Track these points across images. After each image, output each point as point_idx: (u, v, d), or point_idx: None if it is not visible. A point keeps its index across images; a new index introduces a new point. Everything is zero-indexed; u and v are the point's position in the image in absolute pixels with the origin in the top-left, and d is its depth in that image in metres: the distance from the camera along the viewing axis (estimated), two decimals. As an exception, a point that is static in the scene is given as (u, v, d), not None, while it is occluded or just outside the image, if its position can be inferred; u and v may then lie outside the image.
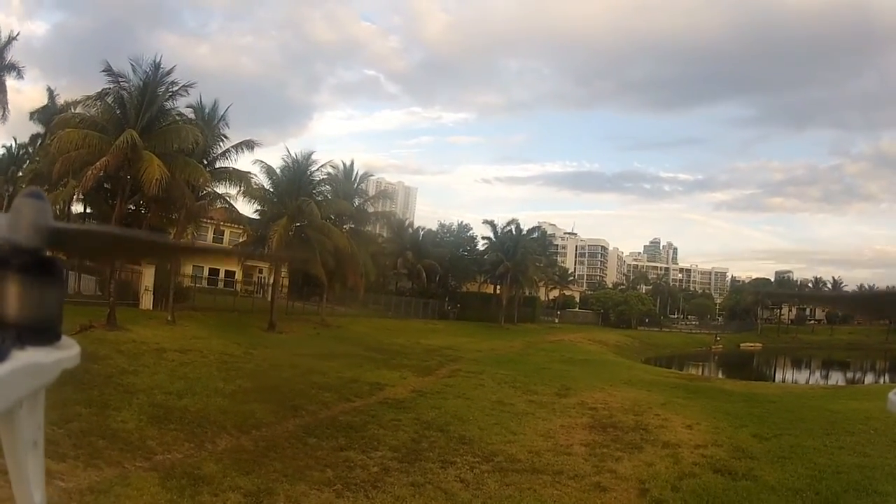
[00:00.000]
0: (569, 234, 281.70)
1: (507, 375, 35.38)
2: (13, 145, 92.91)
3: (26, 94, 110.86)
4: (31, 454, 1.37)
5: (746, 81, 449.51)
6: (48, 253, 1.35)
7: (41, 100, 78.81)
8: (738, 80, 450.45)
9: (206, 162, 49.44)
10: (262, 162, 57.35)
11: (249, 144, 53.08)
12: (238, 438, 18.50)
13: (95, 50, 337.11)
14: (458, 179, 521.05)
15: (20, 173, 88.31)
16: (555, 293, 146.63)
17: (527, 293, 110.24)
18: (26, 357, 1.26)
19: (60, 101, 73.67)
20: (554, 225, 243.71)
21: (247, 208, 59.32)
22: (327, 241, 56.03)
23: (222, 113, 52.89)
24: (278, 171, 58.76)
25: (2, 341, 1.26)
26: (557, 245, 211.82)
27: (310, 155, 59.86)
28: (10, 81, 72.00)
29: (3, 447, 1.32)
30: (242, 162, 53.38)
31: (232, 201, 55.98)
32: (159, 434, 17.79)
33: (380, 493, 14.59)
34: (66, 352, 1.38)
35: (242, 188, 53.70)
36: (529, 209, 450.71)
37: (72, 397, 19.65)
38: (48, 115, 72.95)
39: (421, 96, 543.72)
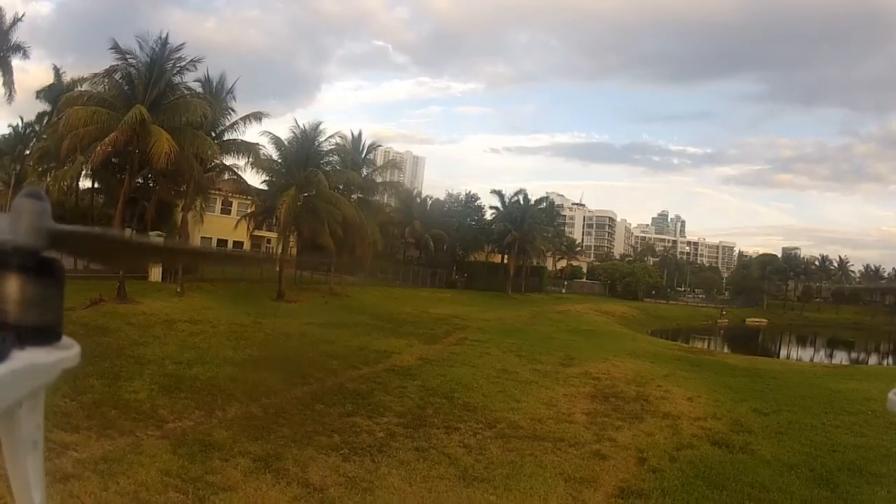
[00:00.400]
0: (577, 204, 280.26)
1: (512, 345, 35.71)
2: (20, 124, 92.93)
3: (32, 73, 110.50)
4: (30, 454, 1.40)
5: (756, 57, 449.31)
6: (48, 253, 1.38)
7: (47, 79, 78.73)
8: (748, 55, 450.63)
9: (214, 134, 49.82)
10: (270, 133, 57.36)
11: (257, 116, 53.41)
12: (247, 406, 18.78)
13: (101, 27, 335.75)
14: (466, 149, 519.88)
15: (27, 152, 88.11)
16: (562, 264, 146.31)
17: (534, 263, 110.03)
18: (26, 357, 1.28)
19: (67, 79, 73.80)
20: (562, 196, 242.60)
21: (255, 179, 59.56)
22: (335, 211, 56.33)
23: (230, 86, 53.35)
24: (286, 142, 58.89)
25: (2, 341, 1.27)
26: (565, 216, 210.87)
27: (318, 125, 60.13)
28: (16, 61, 71.97)
29: (2, 447, 1.34)
30: (251, 134, 53.54)
31: (240, 173, 56.55)
32: (170, 403, 18.10)
33: (385, 457, 14.95)
34: (67, 352, 1.40)
35: (251, 159, 53.83)
36: (538, 180, 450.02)
37: (84, 370, 19.84)
38: (54, 93, 72.66)
39: (429, 67, 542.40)
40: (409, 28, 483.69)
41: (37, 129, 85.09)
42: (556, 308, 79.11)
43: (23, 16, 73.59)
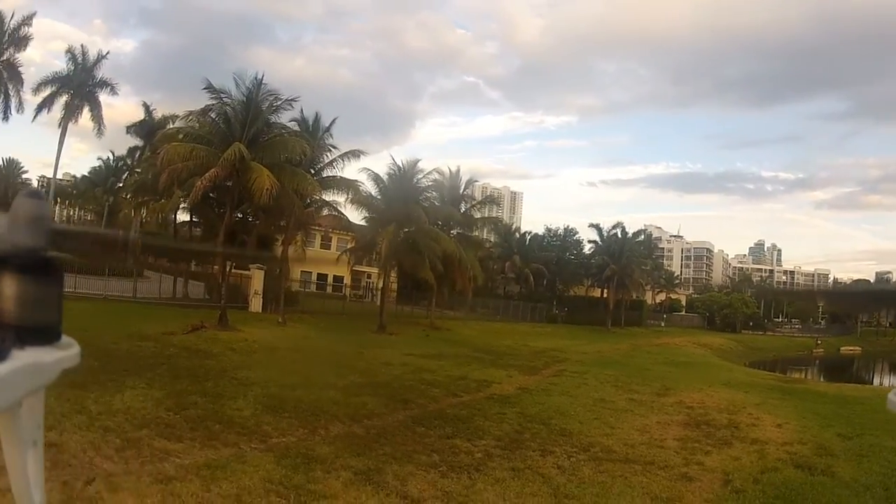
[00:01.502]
0: (675, 236, 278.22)
1: (610, 376, 35.52)
2: (111, 157, 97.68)
3: (118, 109, 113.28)
4: (30, 454, 1.42)
5: (837, 75, 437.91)
6: (48, 252, 1.40)
7: (134, 114, 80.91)
8: (828, 73, 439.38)
9: (313, 171, 50.51)
10: (368, 170, 57.77)
11: (356, 154, 54.05)
12: (350, 426, 18.93)
13: (186, 66, 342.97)
14: (563, 183, 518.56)
15: (119, 184, 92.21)
16: (661, 297, 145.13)
17: (633, 297, 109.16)
18: (26, 357, 1.30)
19: (157, 115, 76.51)
20: (660, 228, 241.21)
21: (354, 216, 60.00)
22: (435, 245, 56.26)
23: (327, 125, 54.03)
24: (385, 178, 58.97)
25: (2, 341, 1.29)
26: (663, 248, 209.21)
27: (416, 163, 59.95)
28: (103, 97, 74.84)
29: (2, 446, 1.38)
30: (349, 171, 53.86)
31: (340, 209, 57.21)
32: (274, 420, 18.34)
33: (482, 475, 15.01)
34: (67, 351, 1.44)
35: (350, 196, 54.27)
36: (634, 212, 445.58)
37: (186, 388, 20.90)
38: (145, 129, 76.20)
39: (522, 101, 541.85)
40: (498, 63, 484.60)
41: (129, 162, 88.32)
42: (655, 341, 78.26)
43: (107, 53, 76.32)
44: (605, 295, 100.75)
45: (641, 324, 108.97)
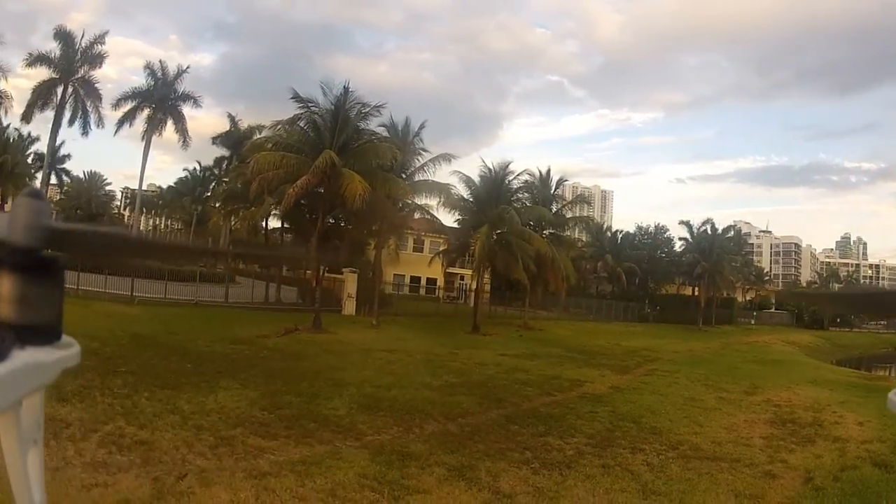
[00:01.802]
0: (763, 231, 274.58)
1: (700, 374, 35.41)
2: (197, 168, 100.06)
3: (200, 120, 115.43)
4: (30, 453, 1.40)
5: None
6: (47, 252, 1.37)
7: (215, 125, 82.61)
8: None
9: (404, 176, 50.86)
10: (459, 172, 57.73)
11: (446, 157, 54.15)
12: (444, 424, 18.99)
13: (267, 76, 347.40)
14: (651, 180, 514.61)
15: (207, 193, 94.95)
16: (751, 294, 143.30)
17: (724, 294, 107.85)
18: (27, 356, 1.28)
19: (243, 126, 77.76)
20: (748, 223, 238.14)
21: (447, 218, 60.06)
22: (528, 246, 56.05)
23: (417, 129, 54.01)
24: (477, 180, 59.00)
25: (2, 341, 1.28)
26: (753, 244, 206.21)
27: (507, 165, 59.72)
28: (186, 110, 76.31)
29: (2, 446, 1.35)
30: (440, 174, 53.82)
31: (432, 212, 57.66)
32: (370, 419, 18.40)
33: (572, 472, 15.04)
34: (67, 351, 1.41)
35: (442, 199, 54.61)
36: (724, 207, 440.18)
37: (281, 389, 21.04)
38: (231, 139, 77.61)
39: (607, 99, 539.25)
40: (580, 61, 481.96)
41: (216, 172, 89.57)
42: (745, 339, 77.44)
43: (187, 67, 77.52)
44: (696, 293, 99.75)
45: (732, 322, 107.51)
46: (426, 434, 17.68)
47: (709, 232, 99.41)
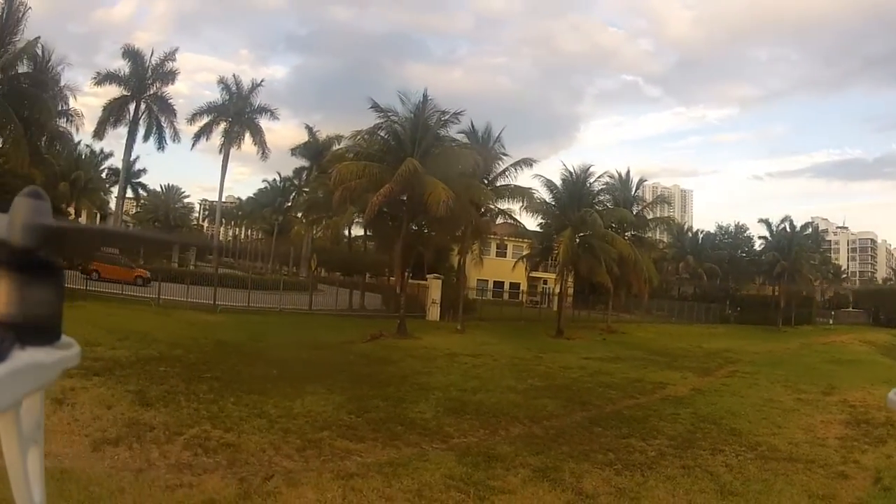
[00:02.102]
0: (840, 228, 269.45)
1: (780, 375, 35.17)
2: (277, 179, 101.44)
3: (276, 132, 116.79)
4: (30, 453, 1.38)
5: None
6: (47, 252, 1.36)
7: (292, 136, 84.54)
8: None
9: (486, 181, 50.89)
10: (541, 176, 57.64)
11: (527, 162, 54.09)
12: (529, 427, 19.05)
13: (342, 86, 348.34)
14: (729, 178, 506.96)
15: (288, 203, 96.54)
16: (829, 292, 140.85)
17: (803, 294, 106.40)
18: (26, 357, 1.27)
19: (321, 136, 78.82)
20: (825, 219, 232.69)
21: (529, 222, 60.05)
22: (611, 249, 55.87)
23: (497, 135, 54.04)
24: (559, 184, 58.74)
25: (1, 341, 1.26)
26: (830, 241, 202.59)
27: (588, 168, 59.54)
28: (264, 122, 77.31)
29: (2, 446, 1.33)
30: (521, 178, 53.88)
31: (514, 216, 57.61)
32: (456, 422, 18.52)
33: (654, 472, 15.16)
34: (67, 351, 1.40)
35: (525, 203, 54.59)
36: (800, 203, 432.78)
37: (367, 393, 21.18)
38: (311, 150, 78.57)
39: (682, 96, 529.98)
40: (654, 59, 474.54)
41: (296, 182, 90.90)
42: (822, 339, 76.19)
43: (262, 81, 79.13)
44: (775, 293, 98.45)
45: (811, 321, 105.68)
46: (512, 436, 17.75)
47: (787, 230, 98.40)
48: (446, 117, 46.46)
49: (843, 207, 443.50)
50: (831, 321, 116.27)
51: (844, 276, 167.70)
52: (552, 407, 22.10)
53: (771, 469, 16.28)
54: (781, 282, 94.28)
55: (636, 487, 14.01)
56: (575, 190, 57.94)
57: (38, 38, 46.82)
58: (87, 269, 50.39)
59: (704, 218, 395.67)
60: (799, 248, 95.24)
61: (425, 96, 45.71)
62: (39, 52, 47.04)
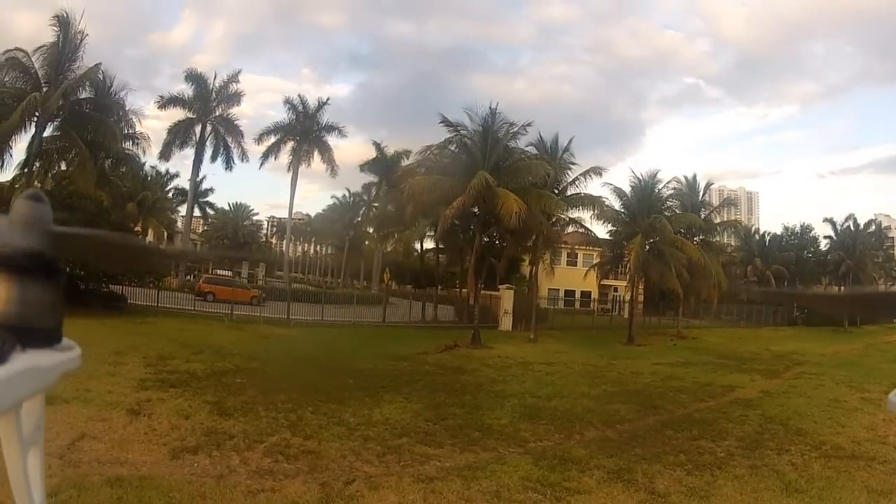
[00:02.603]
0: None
1: (844, 376, 35.17)
2: (346, 194, 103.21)
3: (343, 149, 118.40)
4: (31, 455, 1.42)
5: None
6: (48, 255, 1.39)
7: (358, 152, 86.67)
8: None
9: (556, 191, 50.97)
10: (610, 184, 57.78)
11: (596, 171, 54.45)
12: (603, 431, 19.22)
13: (407, 101, 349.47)
14: (793, 177, 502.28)
15: (358, 219, 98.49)
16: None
17: None
18: (27, 359, 1.29)
19: (388, 151, 79.40)
20: (888, 216, 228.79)
21: (598, 231, 60.19)
22: (680, 255, 55.90)
23: (566, 144, 54.18)
24: (628, 191, 58.93)
25: (2, 343, 1.28)
26: (893, 237, 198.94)
27: (655, 173, 59.74)
28: (330, 140, 79.19)
29: (3, 448, 1.36)
30: (591, 187, 54.28)
31: (585, 225, 57.99)
32: (531, 427, 18.68)
33: (723, 472, 15.34)
34: (67, 354, 1.44)
35: (596, 211, 55.02)
36: (863, 200, 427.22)
37: (444, 401, 21.44)
38: (379, 165, 79.07)
39: (743, 96, 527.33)
40: (713, 60, 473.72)
41: (365, 198, 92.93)
42: (887, 339, 76.01)
43: (328, 100, 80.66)
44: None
45: (875, 321, 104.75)
46: (586, 440, 17.90)
47: (851, 228, 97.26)
48: (515, 129, 46.88)
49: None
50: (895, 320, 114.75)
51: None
52: (625, 411, 22.26)
53: (833, 467, 16.39)
54: (847, 281, 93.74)
55: (706, 486, 14.21)
56: (644, 196, 58.04)
57: (99, 63, 47.94)
58: (202, 291, 51.56)
59: (770, 219, 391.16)
60: (863, 247, 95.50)
61: (493, 110, 46.08)
62: (101, 77, 48.04)
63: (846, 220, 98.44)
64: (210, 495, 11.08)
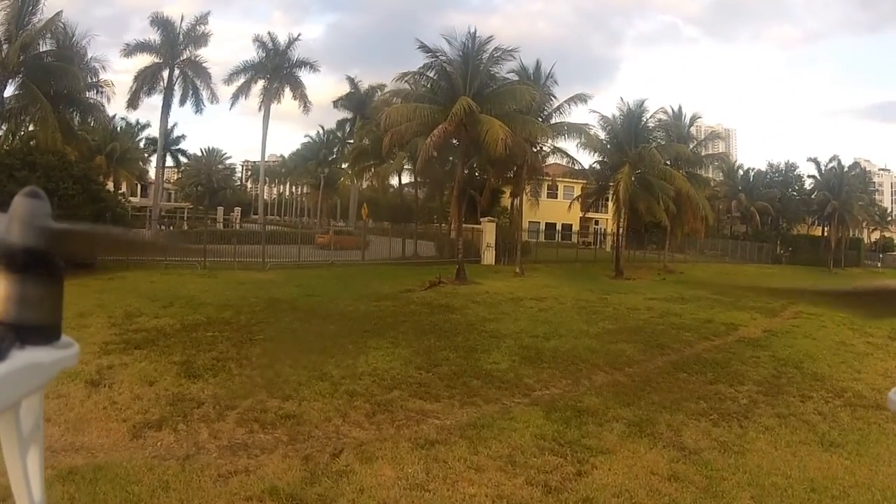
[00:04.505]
0: (883, 170, 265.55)
1: (844, 318, 33.74)
2: (320, 132, 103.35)
3: (314, 89, 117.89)
4: (30, 452, 1.34)
5: None
6: (47, 251, 1.31)
7: (331, 93, 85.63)
8: None
9: (540, 119, 49.36)
10: (597, 112, 57.26)
11: (581, 97, 52.44)
12: (612, 374, 18.18)
13: (380, 41, 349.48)
14: (769, 118, 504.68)
15: (332, 156, 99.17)
16: (875, 235, 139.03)
17: (851, 235, 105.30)
18: (26, 356, 1.24)
19: (364, 87, 79.82)
20: (868, 160, 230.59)
21: (581, 161, 59.38)
22: (668, 186, 54.89)
23: (548, 70, 52.95)
24: (618, 119, 57.55)
25: (1, 340, 1.22)
26: (874, 182, 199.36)
27: (643, 102, 58.16)
28: (302, 76, 79.59)
29: (2, 446, 1.29)
30: (575, 116, 52.92)
31: (569, 154, 57.01)
32: (535, 373, 17.51)
33: (750, 423, 14.75)
34: (66, 351, 1.35)
35: (582, 140, 53.20)
36: (843, 145, 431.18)
37: (435, 345, 20.03)
38: (354, 100, 79.03)
39: (720, 37, 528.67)
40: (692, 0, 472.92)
41: (339, 135, 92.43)
42: (874, 282, 75.62)
43: (299, 35, 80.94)
44: (824, 233, 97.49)
45: (859, 264, 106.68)
46: (596, 386, 16.75)
47: (835, 169, 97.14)
48: (499, 53, 44.67)
49: (886, 149, 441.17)
50: (879, 264, 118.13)
51: (889, 218, 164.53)
52: (631, 352, 21.20)
53: (861, 417, 15.83)
54: (832, 222, 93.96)
55: (737, 440, 13.31)
56: (631, 126, 56.68)
57: (60, 12, 46.42)
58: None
59: (748, 158, 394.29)
60: (849, 189, 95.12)
61: (473, 34, 43.98)
62: (63, 27, 46.77)
63: (830, 160, 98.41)
64: (174, 484, 9.41)
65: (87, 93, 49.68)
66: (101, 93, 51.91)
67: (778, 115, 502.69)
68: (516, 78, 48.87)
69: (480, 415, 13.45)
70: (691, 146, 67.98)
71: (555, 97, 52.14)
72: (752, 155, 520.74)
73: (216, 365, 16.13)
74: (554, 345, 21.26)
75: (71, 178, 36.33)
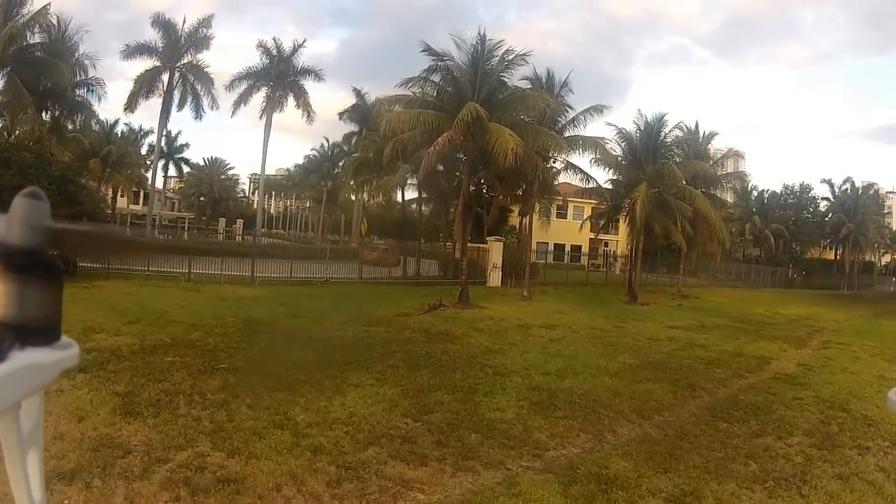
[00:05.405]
0: (891, 192, 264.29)
1: (873, 347, 32.85)
2: (325, 145, 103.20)
3: (324, 103, 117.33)
4: (30, 454, 1.34)
5: None
6: (47, 253, 1.29)
7: (338, 107, 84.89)
8: None
9: (554, 131, 46.30)
10: (613, 125, 54.66)
11: (598, 108, 49.44)
12: (640, 425, 15.64)
13: (391, 56, 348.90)
14: (779, 140, 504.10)
15: (336, 170, 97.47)
16: (886, 258, 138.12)
17: (864, 258, 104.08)
18: (25, 358, 1.23)
19: (371, 99, 76.32)
20: (876, 183, 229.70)
21: (594, 178, 56.50)
22: (685, 207, 52.87)
23: (563, 79, 49.74)
24: (635, 134, 55.46)
25: (1, 341, 1.21)
26: (885, 204, 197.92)
27: (662, 116, 55.89)
28: (309, 88, 79.35)
29: (2, 447, 1.29)
30: (588, 131, 50.46)
31: (582, 171, 53.34)
32: (547, 424, 14.73)
33: (811, 489, 12.32)
34: (66, 352, 1.34)
35: (598, 155, 51.08)
36: (853, 167, 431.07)
37: (428, 383, 17.54)
38: (359, 112, 76.50)
39: (731, 57, 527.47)
40: (702, 20, 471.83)
41: (344, 148, 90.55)
42: (889, 308, 74.40)
43: (304, 41, 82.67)
44: (837, 256, 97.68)
45: (872, 287, 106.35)
46: (623, 442, 14.15)
47: (850, 191, 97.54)
48: (511, 57, 41.59)
49: (891, 172, 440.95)
50: (893, 287, 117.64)
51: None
52: (659, 394, 18.64)
53: None
54: (846, 245, 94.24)
55: None
56: (649, 141, 54.44)
57: (48, 5, 45.72)
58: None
59: (756, 179, 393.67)
60: (864, 211, 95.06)
61: (483, 37, 41.22)
62: (54, 20, 46.62)
63: (844, 182, 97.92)
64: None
65: (76, 90, 49.40)
66: (92, 91, 51.00)
67: (784, 136, 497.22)
68: (529, 86, 45.98)
69: (478, 487, 10.69)
70: (710, 164, 66.49)
71: (570, 107, 49.23)
72: (760, 176, 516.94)
73: (162, 400, 13.70)
74: (569, 385, 18.67)
75: (47, 177, 35.27)
